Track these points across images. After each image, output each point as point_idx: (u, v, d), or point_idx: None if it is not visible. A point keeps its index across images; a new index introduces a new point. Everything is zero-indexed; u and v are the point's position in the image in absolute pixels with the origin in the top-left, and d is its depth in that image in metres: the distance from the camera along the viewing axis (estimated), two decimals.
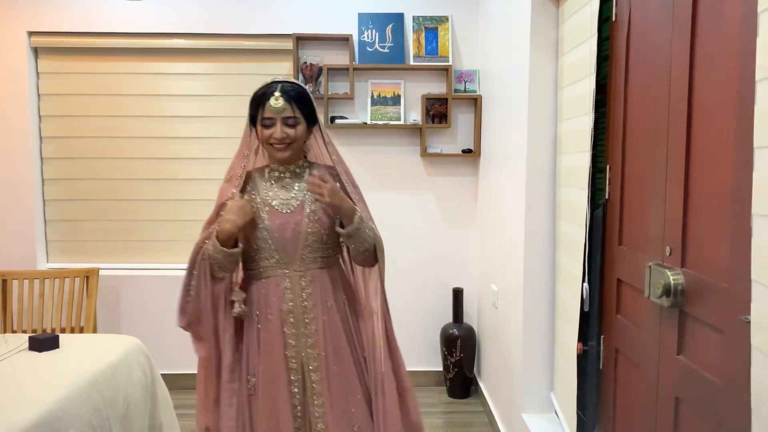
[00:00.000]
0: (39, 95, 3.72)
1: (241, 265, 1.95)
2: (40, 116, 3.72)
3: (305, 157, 2.02)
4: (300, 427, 1.86)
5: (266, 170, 1.98)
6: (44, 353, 2.30)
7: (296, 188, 1.94)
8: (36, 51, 3.69)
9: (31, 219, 3.68)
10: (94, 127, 3.74)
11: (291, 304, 1.88)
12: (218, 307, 1.87)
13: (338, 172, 1.98)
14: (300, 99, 1.87)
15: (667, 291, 1.50)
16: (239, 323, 1.91)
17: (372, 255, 1.94)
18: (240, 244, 1.85)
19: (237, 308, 1.86)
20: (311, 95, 1.95)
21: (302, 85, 1.96)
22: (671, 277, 1.50)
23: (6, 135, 3.64)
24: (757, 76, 1.14)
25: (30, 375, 2.09)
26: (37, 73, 3.71)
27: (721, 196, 1.35)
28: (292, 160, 1.94)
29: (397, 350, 2.02)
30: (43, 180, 3.76)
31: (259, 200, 1.91)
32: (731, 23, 1.32)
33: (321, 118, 2.15)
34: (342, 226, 1.89)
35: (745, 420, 1.21)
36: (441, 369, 3.76)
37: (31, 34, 3.63)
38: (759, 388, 1.15)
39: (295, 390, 1.86)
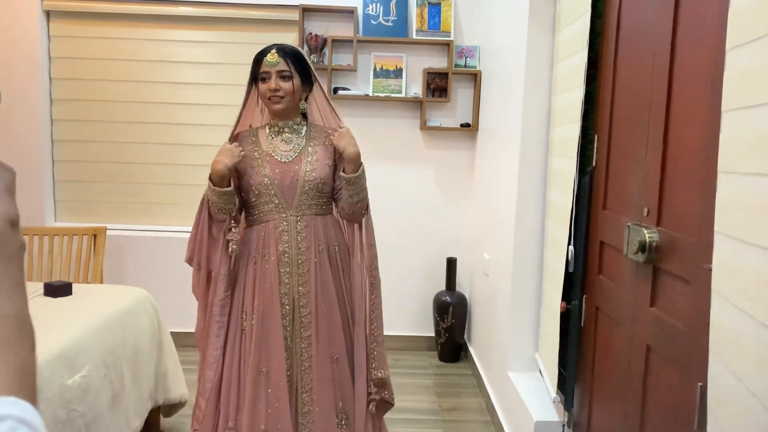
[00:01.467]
0: (50, 58, 3.81)
1: (243, 215, 2.16)
2: (51, 78, 3.82)
3: (304, 116, 2.19)
4: (288, 357, 2.06)
5: (267, 126, 2.17)
6: (58, 299, 2.43)
7: (295, 141, 2.13)
8: (48, 14, 3.78)
9: (40, 178, 3.80)
10: (103, 91, 3.84)
11: (287, 245, 2.06)
12: (214, 245, 2.08)
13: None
14: (294, 55, 2.07)
15: (642, 247, 1.63)
16: (234, 267, 2.13)
17: (361, 209, 2.14)
18: (232, 184, 2.03)
19: (231, 246, 2.06)
20: (307, 58, 2.14)
21: (298, 48, 2.15)
22: (647, 235, 1.63)
23: (18, 96, 3.74)
24: (728, 45, 1.26)
25: (47, 316, 2.22)
26: (49, 36, 3.80)
27: (695, 159, 1.47)
28: (289, 114, 2.12)
29: (377, 301, 2.21)
30: (52, 141, 3.87)
31: (261, 152, 2.11)
32: None
33: (324, 86, 2.31)
34: (345, 171, 2.08)
35: (705, 360, 1.34)
36: (433, 334, 3.91)
37: None
38: (716, 329, 1.28)
39: (286, 323, 2.06)
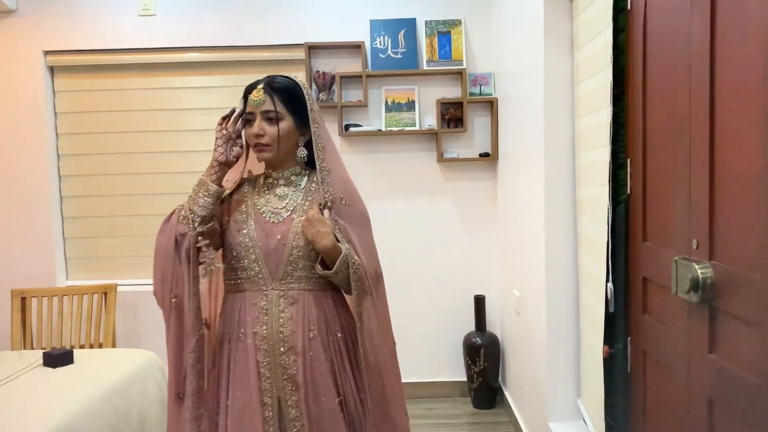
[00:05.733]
0: (56, 113, 3.75)
1: (221, 278, 1.75)
2: (57, 134, 3.76)
3: (307, 163, 1.77)
4: None
5: (262, 177, 1.79)
6: (58, 369, 2.28)
7: (290, 197, 1.72)
8: (52, 70, 3.73)
9: (49, 236, 3.70)
10: (111, 144, 3.76)
11: (265, 328, 1.63)
12: (182, 270, 1.66)
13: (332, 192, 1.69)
14: (285, 92, 1.67)
15: (695, 285, 1.41)
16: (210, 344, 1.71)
17: (363, 290, 1.67)
18: (222, 187, 1.68)
19: (213, 266, 1.63)
20: (304, 89, 1.72)
21: (295, 79, 1.74)
22: (699, 271, 1.41)
23: (24, 153, 3.68)
24: None
25: (43, 391, 2.06)
26: (54, 91, 3.74)
27: (749, 182, 1.27)
28: (282, 164, 1.74)
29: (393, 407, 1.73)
30: (61, 197, 3.78)
31: (248, 204, 1.73)
32: None
33: (334, 126, 1.93)
34: (324, 262, 1.65)
35: None
36: (465, 379, 3.67)
37: (46, 53, 3.66)
38: None
39: (271, 429, 1.62)
